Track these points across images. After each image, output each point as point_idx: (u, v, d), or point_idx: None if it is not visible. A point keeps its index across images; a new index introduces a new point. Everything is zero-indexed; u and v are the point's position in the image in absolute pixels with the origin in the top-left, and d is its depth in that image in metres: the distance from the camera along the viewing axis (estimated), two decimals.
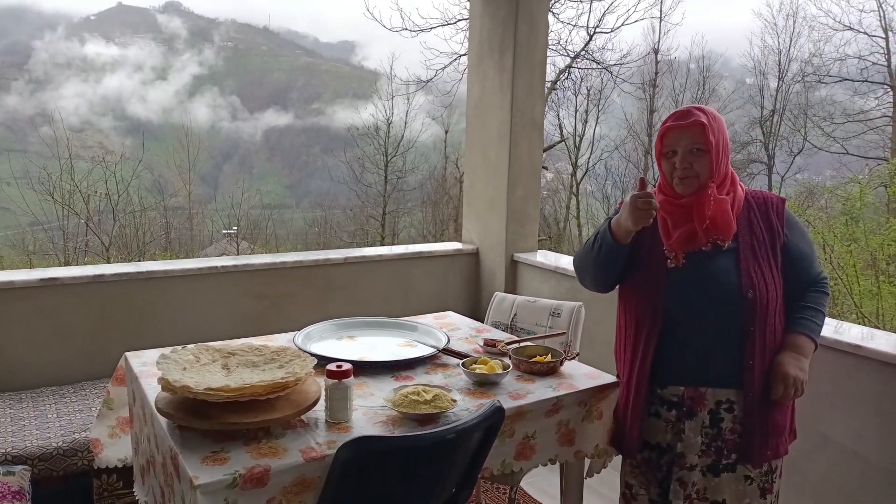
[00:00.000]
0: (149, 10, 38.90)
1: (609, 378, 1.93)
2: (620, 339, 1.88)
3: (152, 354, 1.97)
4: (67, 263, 9.69)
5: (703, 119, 1.66)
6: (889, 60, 13.34)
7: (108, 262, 9.73)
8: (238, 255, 11.22)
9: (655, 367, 1.74)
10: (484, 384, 1.85)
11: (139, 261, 9.89)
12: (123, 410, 2.07)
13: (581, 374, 1.96)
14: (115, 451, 2.06)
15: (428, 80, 11.80)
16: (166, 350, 1.74)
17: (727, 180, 1.73)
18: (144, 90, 31.55)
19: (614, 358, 1.93)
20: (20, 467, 2.01)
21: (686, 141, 1.67)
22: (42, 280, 2.76)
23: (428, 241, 11.61)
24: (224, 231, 14.54)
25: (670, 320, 1.71)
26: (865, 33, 13.45)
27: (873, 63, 13.47)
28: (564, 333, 2.44)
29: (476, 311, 3.79)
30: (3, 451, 2.10)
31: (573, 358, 2.07)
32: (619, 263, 1.78)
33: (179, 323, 3.05)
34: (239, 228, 14.01)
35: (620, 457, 1.92)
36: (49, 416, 2.38)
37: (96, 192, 10.29)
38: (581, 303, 2.58)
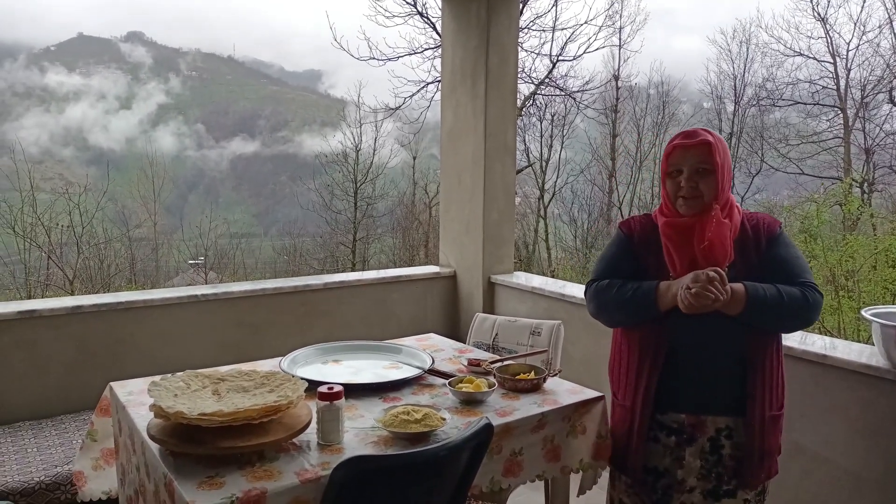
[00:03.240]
0: (111, 41, 38.62)
1: (592, 393, 1.99)
2: (619, 362, 1.87)
3: (138, 384, 1.97)
4: (30, 297, 9.44)
5: (710, 139, 1.66)
6: (838, 84, 13.96)
7: (73, 295, 9.50)
8: (206, 284, 11.07)
9: (657, 393, 1.74)
10: (471, 402, 1.89)
11: (103, 293, 9.68)
12: (108, 442, 2.05)
13: (564, 390, 2.01)
14: (99, 483, 2.03)
15: (397, 108, 11.94)
16: (156, 378, 1.75)
17: (727, 205, 1.71)
18: (107, 119, 31.17)
19: (609, 378, 1.94)
20: (3, 503, 1.97)
21: (692, 160, 1.67)
22: (20, 312, 2.72)
23: (399, 267, 11.63)
24: (190, 261, 14.32)
25: (673, 349, 1.72)
26: (815, 59, 14.10)
27: (823, 87, 14.09)
28: (546, 351, 2.50)
29: (455, 332, 3.84)
30: None
31: (556, 374, 2.12)
32: (648, 318, 1.75)
33: (159, 353, 3.02)
34: (206, 258, 13.81)
35: (607, 473, 1.96)
36: (29, 450, 2.34)
37: (58, 224, 10.08)
38: (560, 321, 2.64)
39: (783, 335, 1.79)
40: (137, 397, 1.86)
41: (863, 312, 2.12)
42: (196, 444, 1.49)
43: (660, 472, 1.77)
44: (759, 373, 1.68)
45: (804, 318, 1.65)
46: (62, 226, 10.06)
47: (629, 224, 1.86)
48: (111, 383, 1.99)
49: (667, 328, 1.72)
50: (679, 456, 1.74)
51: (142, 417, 1.71)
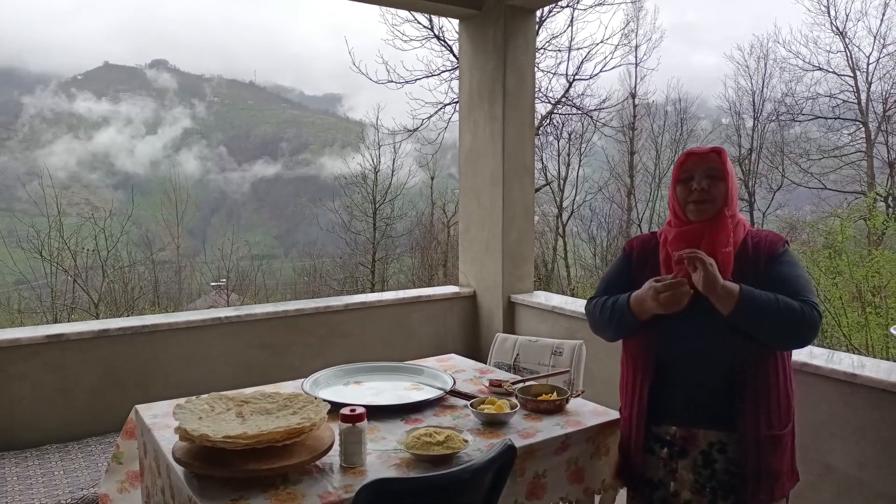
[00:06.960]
0: (136, 68, 39.65)
1: (615, 414, 1.96)
2: (622, 376, 1.92)
3: (163, 406, 1.99)
4: (56, 320, 9.60)
5: (721, 149, 1.76)
6: (859, 98, 13.81)
7: (98, 318, 9.64)
8: (228, 305, 11.18)
9: (650, 404, 1.77)
10: (493, 424, 1.88)
11: (128, 316, 9.81)
12: (133, 464, 2.06)
13: (587, 411, 1.99)
14: None
15: (414, 130, 12.03)
16: (181, 400, 1.76)
17: (735, 219, 1.75)
18: (133, 144, 31.90)
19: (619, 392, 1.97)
20: None
21: (705, 166, 1.74)
22: (48, 336, 2.77)
23: (418, 287, 11.63)
24: (212, 283, 14.46)
25: (662, 360, 1.75)
26: (834, 73, 13.97)
27: (844, 101, 13.94)
28: (568, 371, 2.49)
29: (476, 352, 3.82)
30: None
31: (579, 395, 2.10)
32: (637, 329, 1.80)
33: (183, 375, 3.05)
34: (228, 280, 13.95)
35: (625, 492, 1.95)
36: (56, 473, 2.37)
37: (84, 248, 10.27)
38: (581, 341, 2.63)
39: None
40: (162, 420, 1.88)
41: (892, 330, 2.08)
42: (220, 467, 1.50)
43: (654, 484, 1.79)
44: (748, 387, 1.66)
45: (799, 331, 1.62)
46: (88, 250, 10.25)
47: (631, 243, 1.94)
48: (136, 406, 2.02)
49: (654, 339, 1.76)
50: (672, 468, 1.76)
51: (167, 440, 1.73)
